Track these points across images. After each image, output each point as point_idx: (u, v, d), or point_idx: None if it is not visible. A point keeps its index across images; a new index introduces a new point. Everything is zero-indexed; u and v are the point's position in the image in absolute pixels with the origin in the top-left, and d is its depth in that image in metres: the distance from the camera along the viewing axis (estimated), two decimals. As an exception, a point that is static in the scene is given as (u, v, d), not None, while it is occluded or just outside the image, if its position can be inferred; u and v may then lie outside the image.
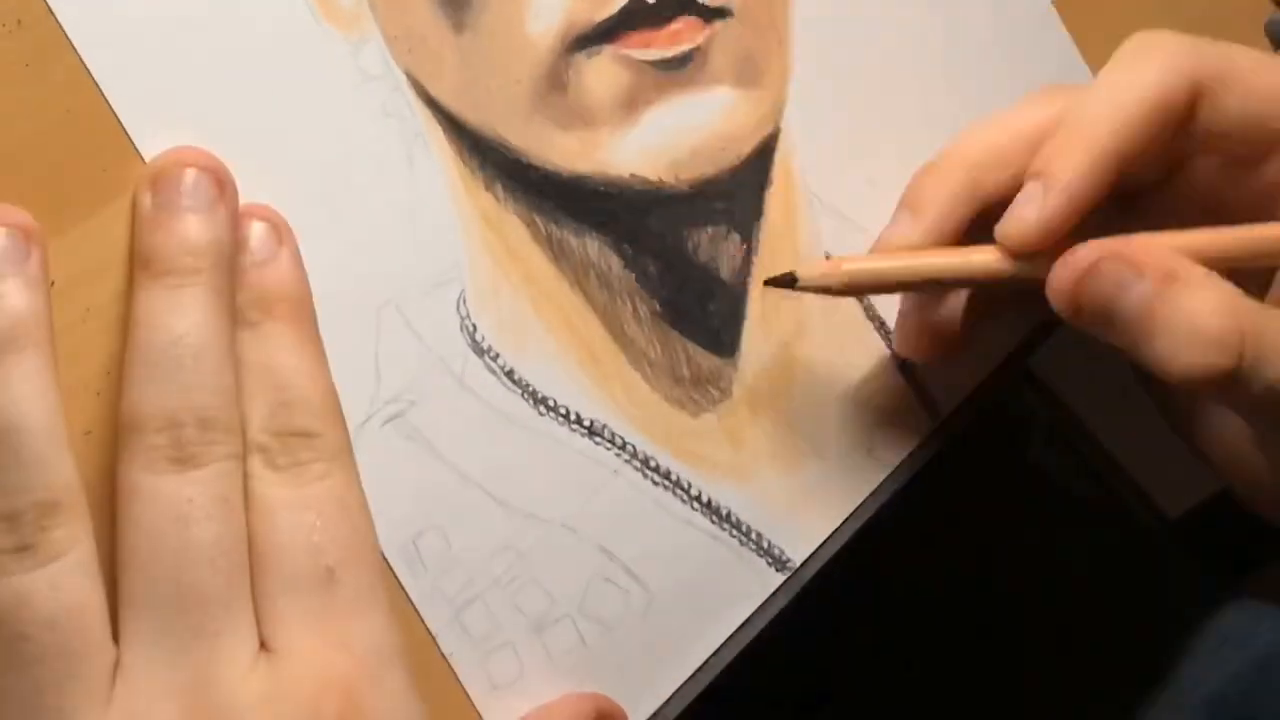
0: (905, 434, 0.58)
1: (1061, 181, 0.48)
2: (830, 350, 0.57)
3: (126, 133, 0.44)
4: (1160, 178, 0.53)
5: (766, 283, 0.53)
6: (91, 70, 0.43)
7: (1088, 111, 0.49)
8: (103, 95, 0.43)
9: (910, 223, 0.52)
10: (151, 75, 0.44)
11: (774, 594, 0.54)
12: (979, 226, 0.52)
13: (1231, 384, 0.46)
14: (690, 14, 0.54)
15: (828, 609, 0.56)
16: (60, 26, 0.43)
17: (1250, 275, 0.50)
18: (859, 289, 0.53)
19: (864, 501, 0.57)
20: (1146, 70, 0.48)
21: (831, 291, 0.52)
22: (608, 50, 0.53)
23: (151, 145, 0.44)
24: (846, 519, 0.56)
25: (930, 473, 0.59)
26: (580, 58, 0.52)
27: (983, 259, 0.51)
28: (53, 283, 0.41)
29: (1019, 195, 0.50)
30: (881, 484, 0.57)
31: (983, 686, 0.75)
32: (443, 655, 0.47)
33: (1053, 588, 0.76)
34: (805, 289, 0.52)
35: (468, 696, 0.48)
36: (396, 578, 0.47)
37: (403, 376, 0.48)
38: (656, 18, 0.53)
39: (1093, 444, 0.70)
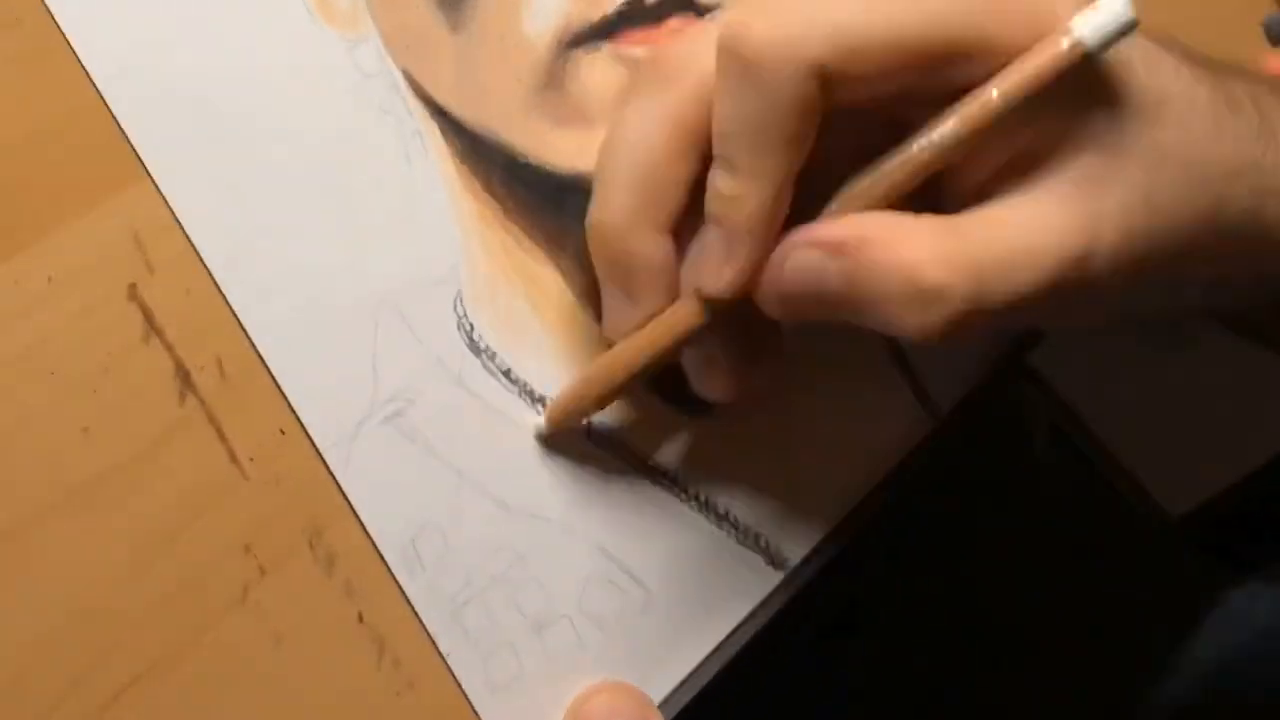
0: (904, 432, 0.58)
1: (741, 227, 0.45)
2: (828, 348, 0.56)
3: (124, 132, 0.44)
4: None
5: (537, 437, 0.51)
6: (89, 70, 0.44)
7: (735, 144, 0.45)
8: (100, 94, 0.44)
9: (626, 304, 0.49)
10: (148, 74, 0.45)
11: (772, 593, 0.54)
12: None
13: (972, 319, 0.43)
14: (687, 12, 0.55)
15: (825, 606, 0.57)
16: (58, 26, 0.44)
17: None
18: (574, 420, 0.51)
19: (863, 500, 0.57)
20: (767, 82, 0.43)
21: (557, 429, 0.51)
22: (605, 48, 0.53)
23: (149, 144, 0.45)
24: (845, 518, 0.56)
25: (929, 471, 0.59)
26: (578, 56, 0.53)
27: (688, 318, 0.47)
28: (50, 279, 0.42)
29: (703, 244, 0.47)
30: (881, 482, 0.57)
31: (983, 685, 0.76)
32: (441, 655, 0.48)
33: (1054, 586, 0.76)
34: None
35: (466, 696, 0.48)
36: (394, 577, 0.47)
37: (401, 376, 0.48)
38: (654, 16, 0.54)
39: (1094, 441, 0.70)
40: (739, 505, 0.54)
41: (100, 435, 0.43)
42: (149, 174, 0.45)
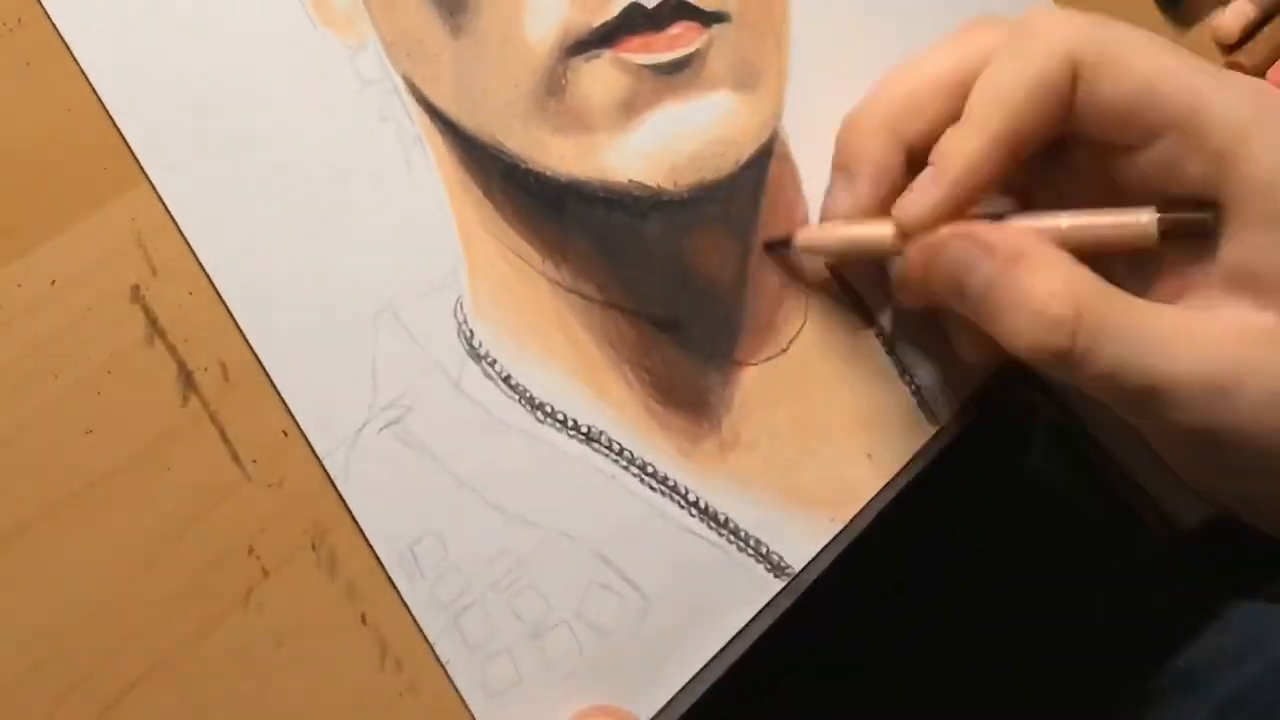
0: (905, 438, 0.58)
1: (952, 172, 0.51)
2: (829, 354, 0.57)
3: (122, 134, 0.45)
4: (1048, 158, 0.55)
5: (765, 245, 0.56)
6: (88, 74, 0.44)
7: (978, 97, 0.51)
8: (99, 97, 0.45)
9: (847, 190, 0.55)
10: (148, 78, 0.45)
11: (772, 600, 0.54)
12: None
13: (1070, 365, 0.48)
14: (688, 18, 0.55)
15: (827, 615, 0.57)
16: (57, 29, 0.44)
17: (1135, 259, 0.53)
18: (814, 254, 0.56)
19: (864, 507, 0.57)
20: (1031, 52, 0.50)
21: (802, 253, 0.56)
22: (606, 54, 0.53)
23: (148, 148, 0.45)
24: (846, 525, 0.56)
25: (931, 477, 0.59)
26: (578, 62, 0.53)
27: (880, 234, 0.54)
28: (53, 281, 0.43)
29: (916, 180, 0.52)
30: (881, 489, 0.57)
31: (985, 694, 0.75)
32: (439, 661, 0.48)
33: (1056, 594, 0.76)
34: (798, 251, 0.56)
35: (464, 703, 0.48)
36: (393, 584, 0.47)
37: (400, 382, 0.49)
38: (655, 22, 0.54)
39: (1097, 447, 0.70)
40: (739, 512, 0.54)
41: (103, 437, 0.43)
42: (149, 178, 0.45)
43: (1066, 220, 0.51)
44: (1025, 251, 0.49)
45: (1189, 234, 0.50)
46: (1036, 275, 0.48)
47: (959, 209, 0.51)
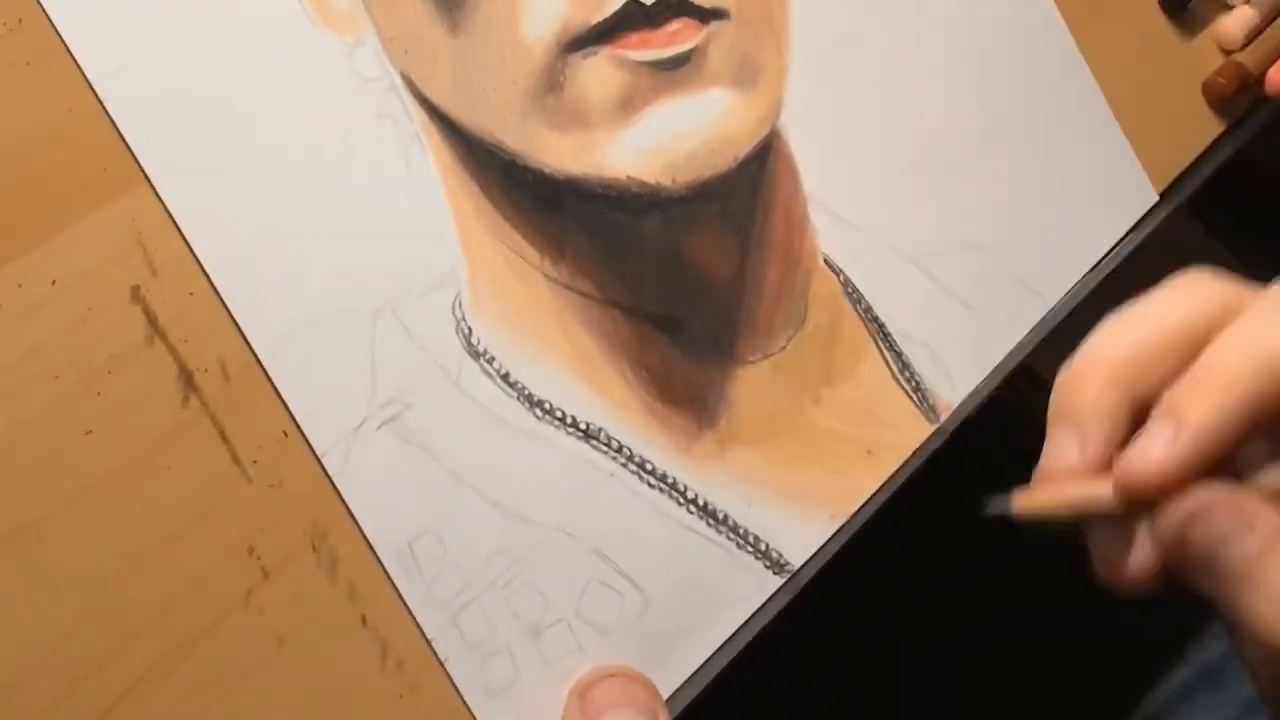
0: (904, 436, 0.58)
1: (1193, 421, 0.45)
2: (827, 352, 0.57)
3: (121, 135, 0.45)
4: None
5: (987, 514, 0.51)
6: (87, 74, 0.44)
7: (1223, 355, 0.46)
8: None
9: (1075, 446, 0.48)
10: (147, 78, 0.45)
11: (772, 597, 0.55)
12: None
13: None
14: (687, 15, 0.55)
15: (825, 611, 0.57)
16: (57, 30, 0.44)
17: None
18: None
19: (862, 505, 0.57)
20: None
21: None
22: (604, 51, 0.54)
23: (147, 148, 0.45)
24: (845, 522, 0.57)
25: (929, 475, 0.59)
26: (576, 59, 0.53)
27: (1100, 494, 0.47)
28: (54, 282, 0.43)
29: (1145, 430, 0.46)
30: (880, 487, 0.58)
31: (993, 693, 0.76)
32: (439, 659, 0.48)
33: (1054, 591, 0.77)
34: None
35: (464, 701, 0.48)
36: (392, 582, 0.47)
37: (399, 380, 0.49)
38: (653, 19, 0.54)
39: None
40: (738, 509, 0.54)
41: (103, 437, 0.43)
42: (148, 178, 0.45)
43: None
44: None
45: None
46: None
47: (1196, 470, 0.45)
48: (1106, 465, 0.47)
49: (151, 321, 0.44)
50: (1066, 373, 0.49)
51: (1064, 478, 0.48)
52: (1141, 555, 0.47)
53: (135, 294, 0.44)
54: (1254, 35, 0.76)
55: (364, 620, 0.46)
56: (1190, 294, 0.48)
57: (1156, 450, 0.45)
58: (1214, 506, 0.44)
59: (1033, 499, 0.49)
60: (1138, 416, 0.47)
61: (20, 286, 0.42)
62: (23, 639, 0.41)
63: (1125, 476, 0.45)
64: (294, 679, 0.45)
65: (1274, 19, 0.77)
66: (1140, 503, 0.45)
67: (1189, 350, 0.47)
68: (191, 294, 0.45)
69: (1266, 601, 0.42)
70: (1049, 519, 0.49)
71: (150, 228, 0.45)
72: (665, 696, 0.52)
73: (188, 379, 0.45)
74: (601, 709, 0.49)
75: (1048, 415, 0.49)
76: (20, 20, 0.43)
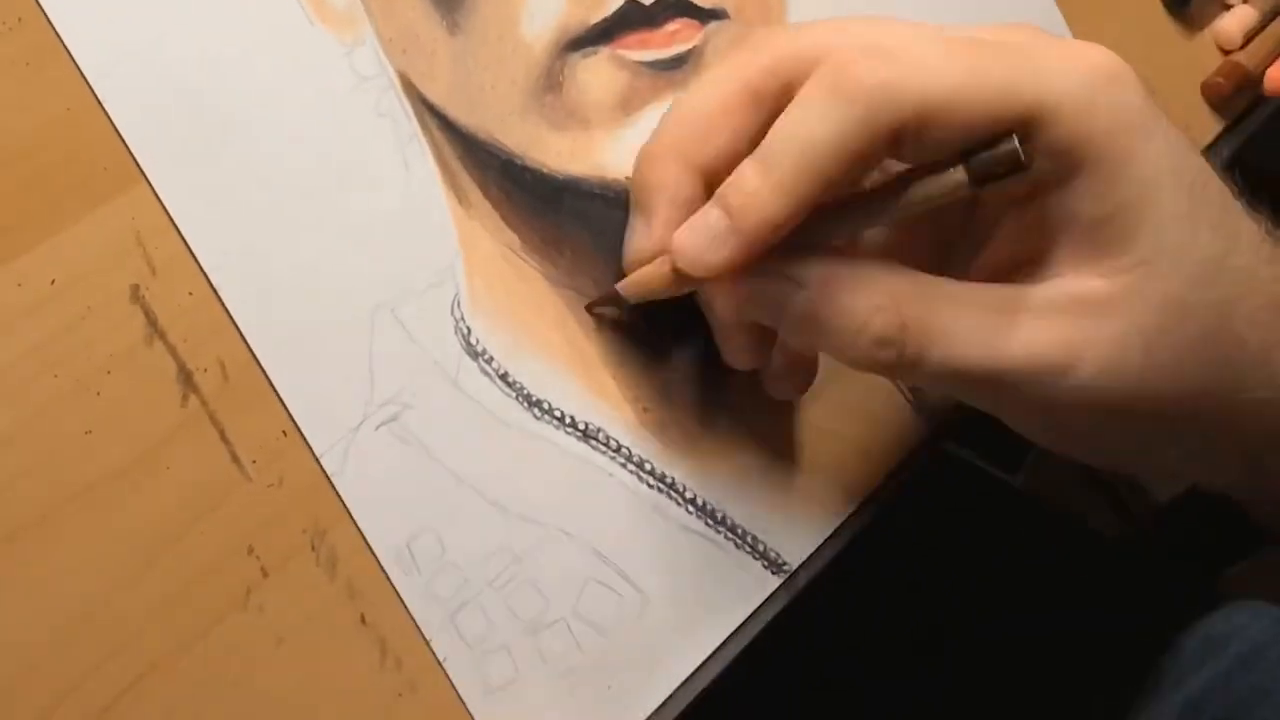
0: (902, 435, 0.58)
1: (746, 228, 0.46)
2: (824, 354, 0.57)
3: (118, 133, 0.45)
4: None
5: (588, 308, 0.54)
6: (85, 73, 0.44)
7: (781, 147, 0.46)
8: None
9: (645, 228, 0.51)
10: (144, 77, 0.45)
11: (770, 597, 0.55)
12: None
13: (903, 372, 0.47)
14: (686, 15, 0.56)
15: (824, 610, 0.57)
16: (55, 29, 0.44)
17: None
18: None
19: (861, 505, 0.57)
20: (842, 118, 0.45)
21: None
22: (603, 51, 0.54)
23: (145, 147, 0.45)
24: (843, 522, 0.57)
25: (926, 474, 0.60)
26: (575, 58, 0.53)
27: (660, 275, 0.50)
28: (53, 281, 0.43)
29: (698, 217, 0.48)
30: (878, 487, 0.58)
31: (981, 690, 0.76)
32: (437, 658, 0.48)
33: (1055, 590, 0.77)
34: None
35: (461, 700, 0.48)
36: (390, 581, 0.47)
37: (397, 379, 0.49)
38: (652, 19, 0.55)
39: None
40: (736, 510, 0.54)
41: (103, 437, 0.43)
42: (146, 177, 0.45)
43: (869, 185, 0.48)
44: (837, 274, 0.46)
45: (1007, 170, 0.45)
46: (855, 294, 0.46)
47: (751, 261, 0.47)
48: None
49: (151, 321, 0.44)
50: (638, 155, 0.51)
51: (635, 259, 0.51)
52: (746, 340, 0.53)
53: (134, 293, 0.44)
54: (1253, 35, 0.77)
55: (363, 619, 0.46)
56: (752, 56, 0.49)
57: (711, 251, 0.47)
58: (760, 280, 0.48)
59: (624, 287, 0.52)
60: (711, 182, 0.49)
61: (19, 286, 0.42)
62: (22, 639, 0.41)
63: (681, 271, 0.48)
64: (293, 678, 0.45)
65: (1273, 19, 0.77)
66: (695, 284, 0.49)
67: (751, 114, 0.49)
68: (191, 293, 0.45)
69: (833, 340, 0.47)
70: (645, 300, 0.51)
71: (149, 227, 0.45)
72: (663, 697, 0.52)
73: (187, 379, 0.45)
74: None
75: (631, 199, 0.52)
76: (20, 19, 0.43)
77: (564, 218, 0.53)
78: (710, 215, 0.47)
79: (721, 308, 0.51)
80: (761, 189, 0.46)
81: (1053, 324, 0.46)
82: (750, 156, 0.47)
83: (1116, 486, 0.63)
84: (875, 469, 0.58)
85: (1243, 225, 0.48)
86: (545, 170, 0.53)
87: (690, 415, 0.54)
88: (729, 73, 0.49)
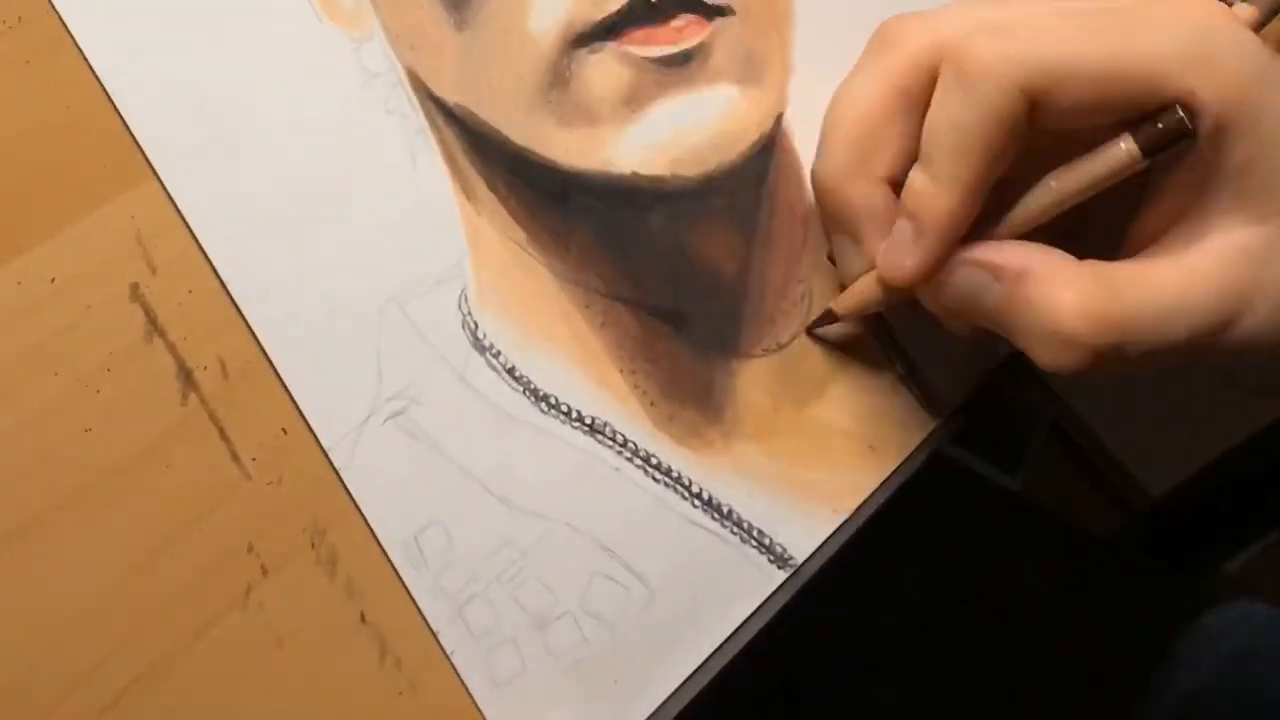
0: (907, 431, 0.58)
1: (930, 228, 0.50)
2: (831, 346, 0.57)
3: (129, 129, 0.45)
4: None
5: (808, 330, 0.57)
6: (95, 68, 0.45)
7: (936, 144, 0.50)
8: (105, 92, 0.45)
9: (854, 252, 0.55)
10: (154, 72, 0.45)
11: (776, 591, 0.55)
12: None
13: (1103, 366, 0.48)
14: (692, 12, 0.55)
15: (830, 605, 0.57)
16: (63, 23, 0.44)
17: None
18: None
19: (867, 499, 0.57)
20: (982, 95, 0.48)
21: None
22: (610, 47, 0.53)
23: (155, 143, 0.45)
24: (849, 517, 0.56)
25: (932, 470, 0.60)
26: (582, 55, 0.53)
27: (870, 290, 0.54)
28: (52, 280, 0.43)
29: (894, 232, 0.52)
30: (884, 481, 0.58)
31: (986, 686, 0.76)
32: (444, 652, 0.48)
33: (1059, 586, 0.77)
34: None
35: (469, 693, 0.48)
36: (398, 574, 0.48)
37: (405, 374, 0.49)
38: (658, 15, 0.54)
39: (1094, 442, 0.71)
40: (742, 504, 0.54)
41: (102, 435, 0.43)
42: (154, 172, 0.45)
43: (1055, 181, 0.50)
44: (1029, 268, 0.49)
45: (1173, 140, 0.48)
46: (1046, 293, 0.48)
47: (942, 260, 0.51)
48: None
49: (151, 319, 0.44)
50: (816, 182, 0.55)
51: (855, 278, 0.54)
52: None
53: (134, 292, 0.44)
54: (1254, 30, 0.76)
55: (363, 617, 0.47)
56: (886, 57, 0.53)
57: (904, 256, 0.51)
58: (957, 268, 0.51)
59: (841, 310, 0.56)
60: (899, 179, 0.52)
61: (19, 284, 0.43)
62: (22, 639, 0.41)
63: (886, 281, 0.52)
64: (293, 677, 0.45)
65: (1274, 15, 0.76)
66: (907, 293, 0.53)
67: (909, 114, 0.52)
68: (191, 292, 0.45)
69: (1026, 340, 0.50)
70: (863, 312, 0.55)
71: (150, 226, 0.45)
72: (669, 691, 0.52)
73: (187, 377, 0.45)
74: None
75: (824, 224, 0.56)
76: (20, 18, 0.43)
77: (571, 213, 0.53)
78: (898, 226, 0.51)
79: (931, 301, 0.53)
80: (929, 186, 0.49)
81: (1223, 278, 0.48)
82: (915, 165, 0.51)
83: (1113, 484, 0.63)
84: (880, 465, 0.57)
85: None
86: (552, 166, 0.53)
87: (697, 409, 0.54)
88: (876, 78, 0.53)
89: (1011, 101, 0.47)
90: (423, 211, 0.50)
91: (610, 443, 0.52)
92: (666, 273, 0.54)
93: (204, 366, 0.45)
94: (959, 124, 0.48)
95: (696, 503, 0.53)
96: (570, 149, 0.53)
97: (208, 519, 0.45)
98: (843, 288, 0.55)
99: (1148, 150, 0.48)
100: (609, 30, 0.53)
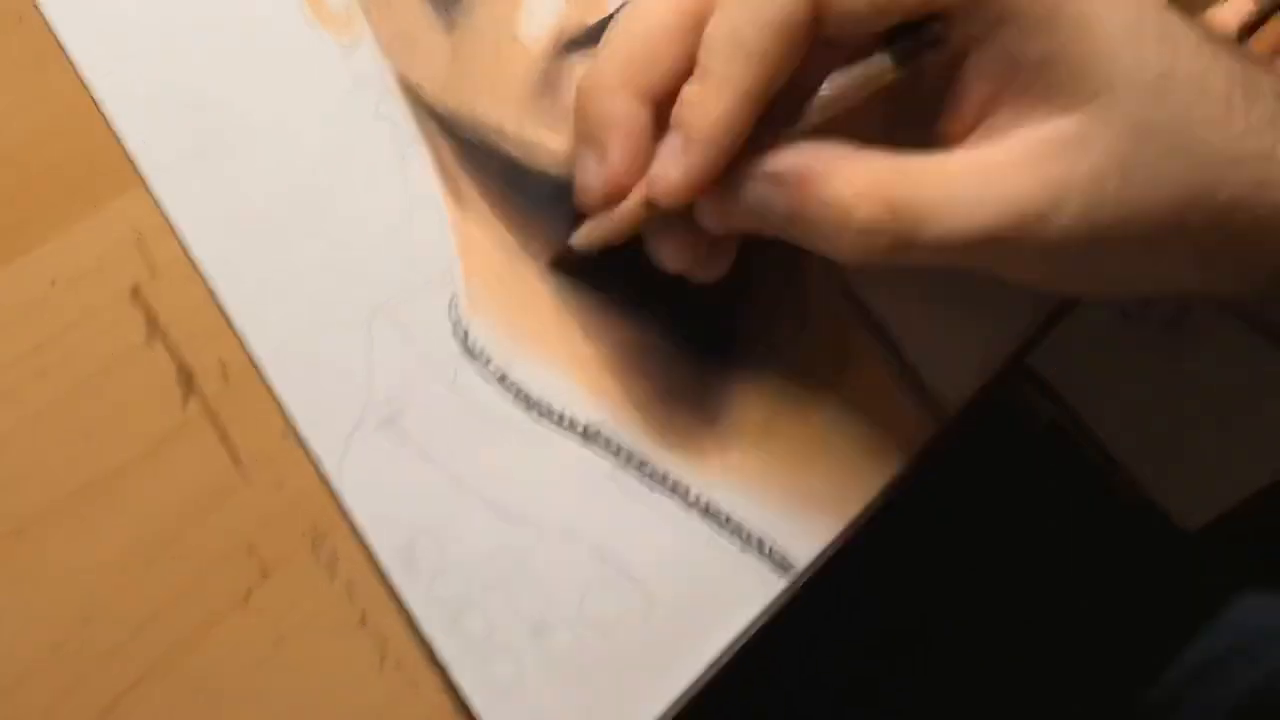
0: (907, 436, 0.58)
1: (700, 137, 0.48)
2: (829, 352, 0.58)
3: (118, 136, 0.46)
4: None
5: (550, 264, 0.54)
6: (83, 76, 0.45)
7: (713, 50, 0.48)
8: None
9: (594, 165, 0.51)
10: (143, 79, 0.46)
11: (775, 598, 0.55)
12: None
13: (902, 255, 0.48)
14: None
15: (829, 611, 0.57)
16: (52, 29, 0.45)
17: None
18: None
19: (867, 504, 0.57)
20: (756, 4, 0.47)
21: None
22: (600, 53, 0.54)
23: (143, 149, 0.46)
24: (849, 523, 0.57)
25: (933, 475, 0.60)
26: (573, 60, 0.54)
27: (633, 209, 0.50)
28: (53, 282, 0.43)
29: (661, 147, 0.49)
30: (884, 487, 0.58)
31: (987, 695, 0.76)
32: (434, 665, 0.48)
33: (1058, 594, 0.77)
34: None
35: (465, 703, 0.49)
36: (387, 586, 0.48)
37: (395, 381, 0.49)
38: (649, 20, 0.54)
39: (1097, 447, 0.71)
40: (740, 510, 0.54)
41: (103, 437, 0.44)
42: (144, 179, 0.46)
43: (818, 99, 0.49)
44: (810, 168, 0.48)
45: (926, 46, 0.48)
46: (831, 187, 0.47)
47: (713, 173, 0.48)
48: (638, 173, 0.50)
49: (151, 321, 0.45)
50: (579, 88, 0.51)
51: (590, 200, 0.51)
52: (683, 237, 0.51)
53: (135, 294, 0.45)
54: (1250, 24, 0.77)
55: (363, 619, 0.47)
56: None
57: (674, 169, 0.48)
58: (744, 183, 0.49)
59: (586, 234, 0.52)
60: (661, 110, 0.50)
61: (20, 287, 0.43)
62: (23, 639, 0.42)
63: (654, 197, 0.49)
64: (293, 679, 0.46)
65: (1274, 10, 0.77)
66: (674, 210, 0.49)
67: (693, 36, 0.49)
68: (191, 294, 0.46)
69: (823, 237, 0.48)
70: (608, 243, 0.51)
71: (150, 228, 0.45)
72: (668, 699, 0.52)
73: (187, 379, 0.45)
74: None
75: (575, 136, 0.51)
76: (20, 19, 0.44)
77: (561, 220, 0.53)
78: (667, 139, 0.49)
79: (711, 224, 0.51)
80: (702, 93, 0.47)
81: (1032, 170, 0.47)
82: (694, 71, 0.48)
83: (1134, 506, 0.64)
84: (882, 470, 0.58)
85: (1180, 31, 0.49)
86: (543, 172, 0.53)
87: (692, 416, 0.55)
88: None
89: (794, 6, 0.46)
90: (413, 218, 0.51)
91: (604, 450, 0.53)
92: (659, 278, 0.53)
93: (204, 369, 0.46)
94: (737, 29, 0.47)
95: (694, 509, 0.54)
96: (560, 155, 0.54)
97: (208, 521, 0.45)
98: (584, 207, 0.52)
99: (900, 59, 0.48)
100: (600, 36, 0.53)
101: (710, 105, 0.47)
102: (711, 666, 0.53)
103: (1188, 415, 0.73)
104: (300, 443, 0.47)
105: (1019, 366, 0.61)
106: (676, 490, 0.53)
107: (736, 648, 0.54)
